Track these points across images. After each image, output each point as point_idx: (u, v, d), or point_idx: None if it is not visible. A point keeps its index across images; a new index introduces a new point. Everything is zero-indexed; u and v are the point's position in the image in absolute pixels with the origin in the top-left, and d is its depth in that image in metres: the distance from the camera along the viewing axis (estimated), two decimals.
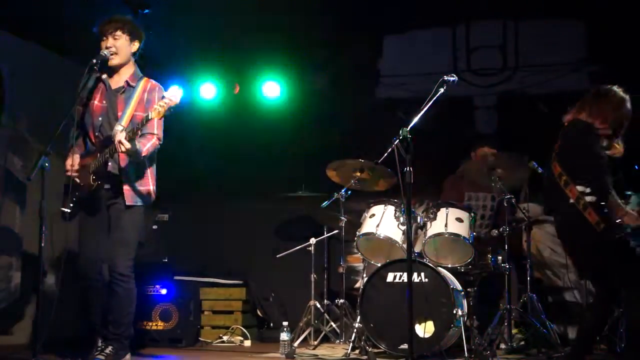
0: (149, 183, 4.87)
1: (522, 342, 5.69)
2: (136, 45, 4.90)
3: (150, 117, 4.51)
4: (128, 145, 4.51)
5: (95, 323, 4.90)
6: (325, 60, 7.58)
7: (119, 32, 4.79)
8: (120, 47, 4.80)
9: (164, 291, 6.60)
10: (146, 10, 6.22)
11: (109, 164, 4.71)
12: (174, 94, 4.50)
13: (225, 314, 6.87)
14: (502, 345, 5.61)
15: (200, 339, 6.74)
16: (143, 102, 4.80)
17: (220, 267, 7.29)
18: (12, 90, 6.31)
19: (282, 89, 7.78)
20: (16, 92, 6.35)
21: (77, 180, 4.75)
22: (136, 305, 4.86)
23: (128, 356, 4.86)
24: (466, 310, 5.46)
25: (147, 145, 4.72)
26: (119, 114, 4.75)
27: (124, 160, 4.74)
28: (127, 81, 4.85)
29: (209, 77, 7.86)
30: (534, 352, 5.55)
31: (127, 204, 4.73)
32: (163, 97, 4.52)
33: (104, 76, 4.87)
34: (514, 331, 5.73)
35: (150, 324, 6.53)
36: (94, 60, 4.67)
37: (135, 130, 4.56)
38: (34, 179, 4.46)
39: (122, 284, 4.71)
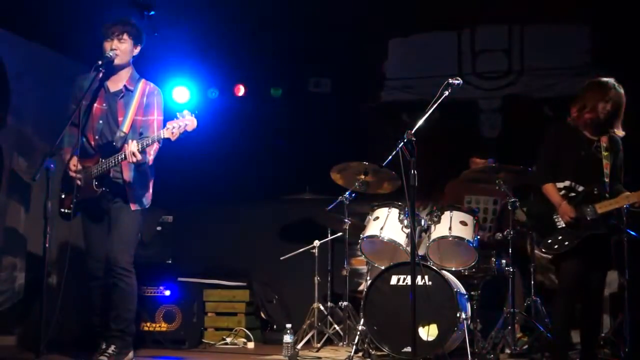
0: (149, 187, 4.94)
1: (526, 346, 5.67)
2: (138, 50, 4.92)
3: (163, 137, 4.56)
4: (140, 156, 4.57)
5: (98, 324, 4.91)
6: (330, 63, 7.58)
7: (125, 36, 4.81)
8: (124, 50, 4.82)
9: (167, 292, 6.59)
10: (151, 12, 6.23)
11: (112, 169, 4.73)
12: (190, 120, 4.53)
13: (228, 316, 6.87)
14: (506, 349, 5.60)
15: (203, 340, 6.73)
16: (142, 106, 4.84)
17: (223, 269, 7.28)
18: (18, 91, 6.32)
19: (287, 91, 7.78)
20: (21, 92, 6.36)
21: (79, 182, 4.75)
22: (140, 306, 4.88)
23: (131, 354, 4.87)
24: (470, 313, 5.45)
25: (151, 152, 4.79)
26: (120, 119, 4.79)
27: (126, 167, 4.77)
28: (125, 85, 4.86)
29: (212, 79, 7.86)
30: (538, 357, 5.52)
31: (132, 209, 4.80)
32: (177, 118, 4.53)
33: (102, 77, 4.87)
34: (517, 335, 5.71)
35: (154, 325, 6.53)
36: (100, 62, 4.68)
37: (146, 145, 4.60)
38: (39, 179, 4.46)
39: (124, 278, 4.75)
